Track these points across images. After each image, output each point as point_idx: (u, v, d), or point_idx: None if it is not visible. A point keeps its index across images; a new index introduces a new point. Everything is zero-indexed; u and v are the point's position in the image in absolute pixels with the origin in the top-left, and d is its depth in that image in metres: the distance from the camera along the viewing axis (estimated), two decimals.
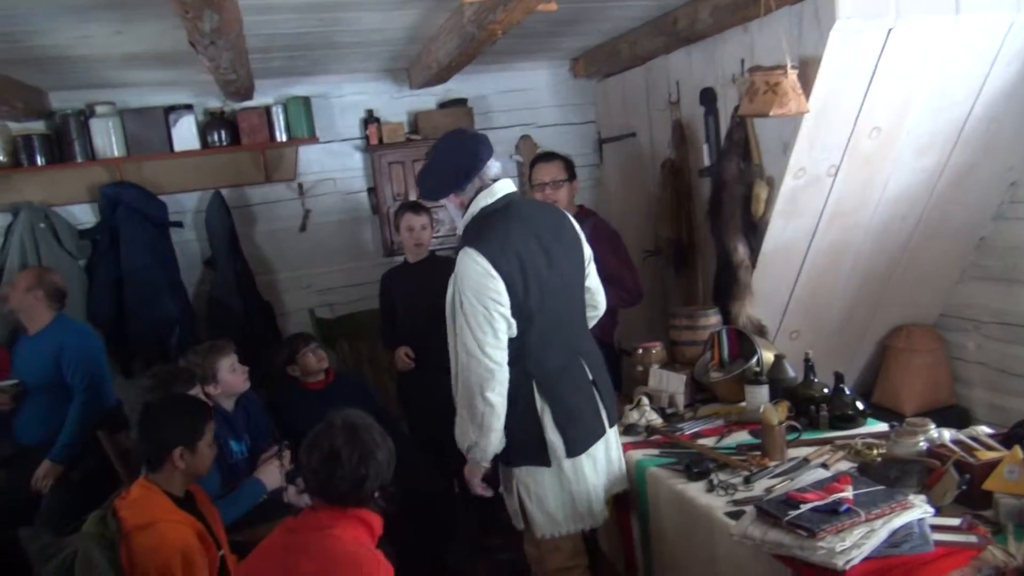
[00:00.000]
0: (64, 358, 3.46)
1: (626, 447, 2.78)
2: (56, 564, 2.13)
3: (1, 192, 4.06)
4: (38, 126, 4.08)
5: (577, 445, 2.48)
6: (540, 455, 2.47)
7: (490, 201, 2.46)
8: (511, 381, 2.40)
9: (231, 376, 3.33)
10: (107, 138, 4.07)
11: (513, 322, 2.40)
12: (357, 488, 1.95)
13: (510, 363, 2.39)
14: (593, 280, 2.72)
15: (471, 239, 2.42)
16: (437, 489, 3.76)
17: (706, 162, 3.80)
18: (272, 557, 1.93)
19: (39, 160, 4.00)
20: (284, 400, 3.70)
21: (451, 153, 2.49)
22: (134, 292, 4.01)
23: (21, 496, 3.42)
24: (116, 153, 4.08)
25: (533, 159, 3.72)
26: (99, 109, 4.08)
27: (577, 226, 2.69)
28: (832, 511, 1.85)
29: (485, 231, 2.41)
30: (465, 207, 2.49)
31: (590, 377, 2.56)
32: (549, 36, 4.06)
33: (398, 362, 3.87)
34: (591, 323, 2.74)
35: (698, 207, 3.93)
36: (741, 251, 3.39)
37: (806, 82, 2.96)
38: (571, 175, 3.60)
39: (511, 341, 2.41)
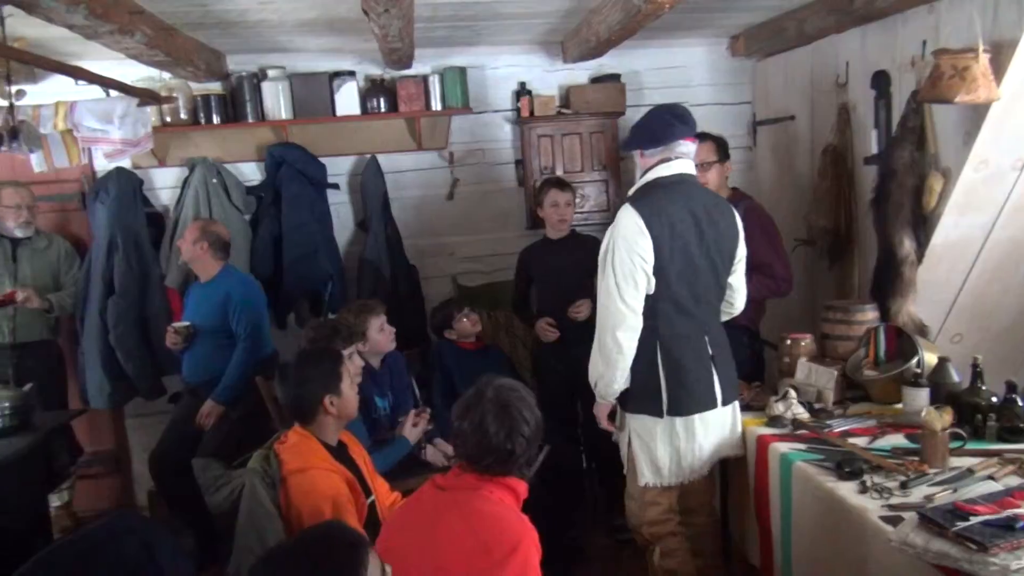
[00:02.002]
0: (230, 306, 3.69)
1: (770, 439, 2.72)
2: (225, 493, 2.31)
3: (180, 147, 4.37)
4: (215, 87, 4.34)
5: (680, 408, 2.69)
6: (653, 406, 2.71)
7: (665, 174, 2.71)
8: (641, 334, 2.66)
9: (379, 335, 3.47)
10: (276, 101, 4.28)
11: (653, 280, 2.63)
12: (503, 461, 1.97)
13: (644, 318, 2.65)
14: (738, 279, 2.86)
15: (634, 199, 2.70)
16: (567, 463, 3.79)
17: (873, 149, 3.60)
18: (421, 512, 1.99)
19: (215, 119, 4.27)
20: (443, 357, 3.87)
21: (654, 119, 2.79)
22: (292, 248, 4.23)
23: (187, 429, 3.71)
24: (283, 115, 4.29)
25: None
26: (271, 73, 4.30)
27: (739, 225, 2.84)
28: (1007, 527, 1.73)
29: (648, 195, 2.69)
30: (644, 171, 2.77)
31: (710, 352, 2.74)
32: (712, 12, 3.94)
33: (540, 333, 3.87)
34: (723, 318, 2.88)
35: (859, 196, 3.74)
36: (907, 245, 3.20)
37: (998, 67, 2.75)
38: (722, 156, 3.52)
39: (648, 298, 2.65)
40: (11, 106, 3.13)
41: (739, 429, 2.85)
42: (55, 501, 4.07)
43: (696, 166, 3.41)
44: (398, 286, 4.40)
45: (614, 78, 4.60)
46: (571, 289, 3.85)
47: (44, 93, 4.03)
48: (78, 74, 3.15)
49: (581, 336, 3.81)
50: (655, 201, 2.64)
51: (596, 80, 4.65)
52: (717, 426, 2.78)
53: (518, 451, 1.96)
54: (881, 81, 3.52)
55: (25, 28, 3.06)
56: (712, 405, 2.74)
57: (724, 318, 2.89)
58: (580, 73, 4.67)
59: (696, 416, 2.71)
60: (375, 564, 1.51)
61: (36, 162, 3.70)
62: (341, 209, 4.56)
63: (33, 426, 3.17)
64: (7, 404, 3.09)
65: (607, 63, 4.59)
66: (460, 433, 1.99)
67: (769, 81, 4.63)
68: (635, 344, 2.65)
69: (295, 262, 4.22)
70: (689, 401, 2.70)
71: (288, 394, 2.44)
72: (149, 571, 2.05)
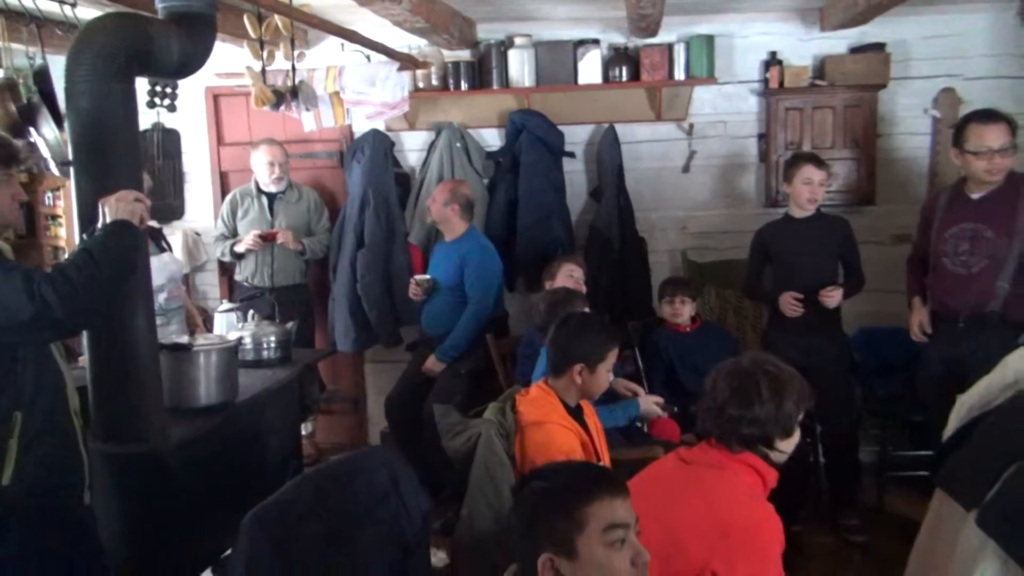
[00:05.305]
0: (467, 269, 3.87)
1: None
2: (462, 440, 2.42)
3: (429, 112, 4.60)
4: (464, 55, 4.50)
5: None
6: None
7: None
8: None
9: (567, 282, 3.57)
10: (520, 69, 4.36)
11: None
12: (744, 433, 1.88)
13: None
14: None
15: None
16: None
17: None
18: (661, 484, 1.94)
19: (463, 85, 4.44)
20: (659, 342, 3.85)
21: None
22: (527, 213, 4.32)
23: (420, 377, 3.96)
24: (527, 83, 4.37)
25: (966, 117, 3.26)
26: (517, 41, 4.39)
27: None
28: None
29: None
30: None
31: None
32: None
33: (785, 308, 3.58)
34: None
35: None
36: None
37: None
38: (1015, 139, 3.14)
39: None
40: (293, 68, 3.43)
41: None
42: (302, 431, 4.49)
43: (995, 152, 3.06)
44: (625, 257, 4.36)
45: (878, 48, 4.23)
46: (815, 272, 3.61)
47: (312, 58, 4.39)
48: (355, 39, 3.39)
49: (820, 322, 3.59)
50: None
51: (856, 50, 4.30)
52: None
53: (759, 422, 1.86)
54: None
55: None
56: None
57: None
58: (838, 42, 4.34)
59: None
60: (624, 508, 1.47)
61: (307, 121, 4.04)
62: (576, 177, 4.59)
63: (292, 361, 3.49)
64: (274, 339, 3.42)
65: (870, 31, 4.22)
66: (703, 401, 1.94)
67: None
68: None
69: (529, 227, 4.31)
70: None
71: (551, 342, 2.48)
72: (394, 501, 2.21)
